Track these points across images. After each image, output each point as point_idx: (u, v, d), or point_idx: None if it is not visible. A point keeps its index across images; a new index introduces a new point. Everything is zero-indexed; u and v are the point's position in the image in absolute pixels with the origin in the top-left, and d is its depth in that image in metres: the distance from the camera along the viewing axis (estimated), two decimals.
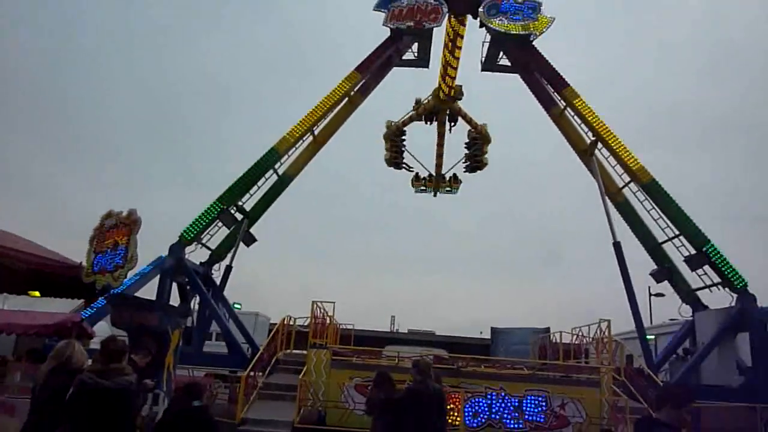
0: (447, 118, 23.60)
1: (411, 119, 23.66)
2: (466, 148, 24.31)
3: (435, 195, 26.13)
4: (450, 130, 23.96)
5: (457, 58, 19.93)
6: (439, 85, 21.92)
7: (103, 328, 14.27)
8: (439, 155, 24.79)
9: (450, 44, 19.57)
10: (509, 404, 11.78)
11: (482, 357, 15.23)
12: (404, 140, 23.98)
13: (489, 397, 11.81)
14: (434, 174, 25.28)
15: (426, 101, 23.26)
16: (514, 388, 11.96)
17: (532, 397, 11.85)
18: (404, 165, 24.48)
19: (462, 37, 19.37)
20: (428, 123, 23.75)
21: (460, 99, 23.04)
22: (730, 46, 76.86)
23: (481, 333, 39.72)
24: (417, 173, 25.29)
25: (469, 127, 23.89)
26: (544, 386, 12.13)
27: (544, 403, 11.80)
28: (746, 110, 75.28)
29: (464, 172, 24.81)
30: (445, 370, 12.25)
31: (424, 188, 25.62)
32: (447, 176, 25.47)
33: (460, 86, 22.46)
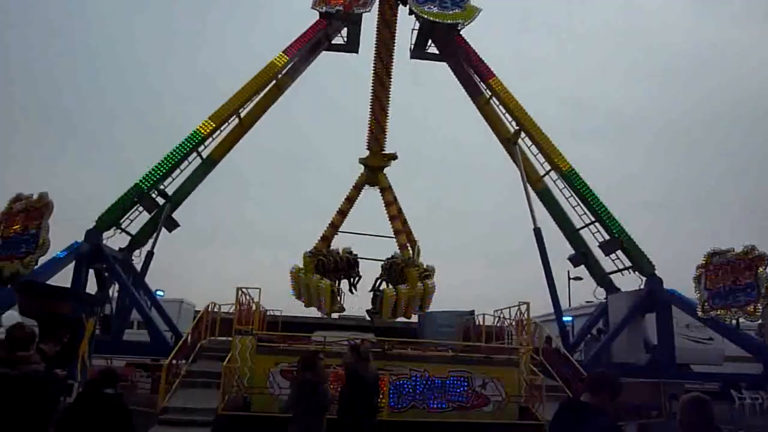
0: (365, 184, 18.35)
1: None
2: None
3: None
4: None
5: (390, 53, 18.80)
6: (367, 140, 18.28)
7: (14, 318, 13.50)
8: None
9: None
10: (433, 385, 12.09)
11: (408, 340, 15.50)
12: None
13: (413, 378, 12.06)
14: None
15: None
16: (438, 370, 12.26)
17: (455, 378, 12.20)
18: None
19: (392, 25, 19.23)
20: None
21: (395, 159, 18.27)
22: (649, 44, 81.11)
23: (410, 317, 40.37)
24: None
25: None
26: (467, 367, 12.50)
27: (466, 383, 12.18)
28: (666, 104, 79.93)
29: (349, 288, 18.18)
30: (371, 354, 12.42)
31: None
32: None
33: (395, 153, 18.22)
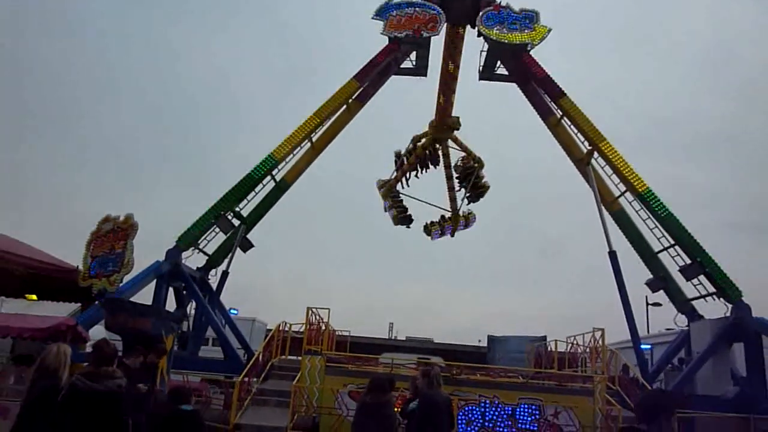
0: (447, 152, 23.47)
1: (403, 173, 23.24)
2: (458, 180, 24.00)
3: (453, 235, 25.11)
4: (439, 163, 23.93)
5: (457, 66, 19.97)
6: (434, 116, 22.16)
7: (99, 333, 14.30)
8: (452, 198, 24.80)
9: (449, 53, 19.63)
10: (503, 412, 11.79)
11: (477, 365, 15.25)
12: (401, 194, 23.68)
13: (482, 405, 11.82)
14: (449, 214, 24.83)
15: (422, 139, 23.04)
16: (508, 397, 11.98)
17: (526, 406, 11.86)
18: (412, 217, 23.96)
19: (459, 46, 19.50)
20: (424, 171, 23.43)
21: (458, 129, 22.88)
22: (730, 57, 77.54)
23: (479, 341, 39.70)
24: (429, 221, 24.84)
25: (457, 159, 23.88)
26: (538, 395, 12.14)
27: (537, 412, 11.81)
28: (746, 120, 75.87)
29: (467, 204, 24.34)
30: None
31: (440, 231, 24.87)
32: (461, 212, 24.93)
33: (458, 117, 22.38)
